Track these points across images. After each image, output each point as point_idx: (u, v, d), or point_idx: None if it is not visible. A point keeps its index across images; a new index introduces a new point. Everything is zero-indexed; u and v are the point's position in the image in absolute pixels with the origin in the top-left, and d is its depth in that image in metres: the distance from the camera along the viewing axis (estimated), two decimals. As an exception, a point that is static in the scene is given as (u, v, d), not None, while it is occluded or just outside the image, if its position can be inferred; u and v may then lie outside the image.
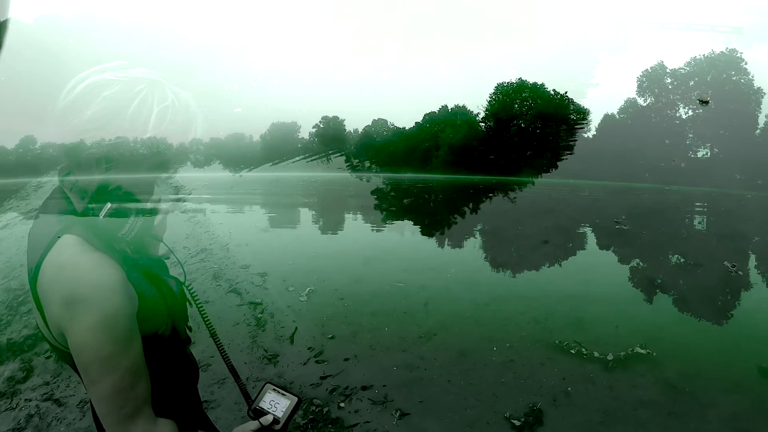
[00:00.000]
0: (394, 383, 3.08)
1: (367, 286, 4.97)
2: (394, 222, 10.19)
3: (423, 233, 9.68)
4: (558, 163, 62.27)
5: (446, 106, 72.41)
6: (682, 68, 65.66)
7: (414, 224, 11.19)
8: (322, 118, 78.82)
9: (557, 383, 3.13)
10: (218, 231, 8.02)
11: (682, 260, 8.57)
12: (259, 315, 3.68)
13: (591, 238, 10.48)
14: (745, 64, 63.37)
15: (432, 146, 68.96)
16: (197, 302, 1.95)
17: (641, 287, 6.22)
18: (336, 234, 7.40)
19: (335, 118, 78.94)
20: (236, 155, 78.52)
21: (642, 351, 3.59)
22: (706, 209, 21.07)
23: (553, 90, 68.79)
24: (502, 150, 64.29)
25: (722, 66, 63.10)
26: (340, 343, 3.35)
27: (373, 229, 8.85)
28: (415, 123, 74.56)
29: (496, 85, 69.78)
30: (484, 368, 3.33)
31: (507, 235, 9.65)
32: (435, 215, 13.47)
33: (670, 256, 8.87)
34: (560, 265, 7.13)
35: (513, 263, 7.28)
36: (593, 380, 3.26)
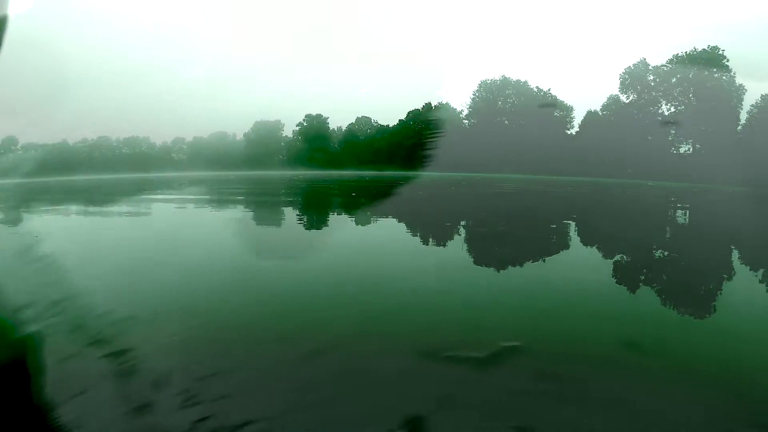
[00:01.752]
0: (277, 412, 2.81)
1: (248, 311, 4.63)
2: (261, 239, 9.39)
3: (293, 245, 9.05)
4: (541, 160, 62.27)
5: (430, 103, 72.59)
6: (665, 65, 65.83)
7: (283, 236, 10.44)
8: (306, 116, 78.88)
9: (435, 388, 2.89)
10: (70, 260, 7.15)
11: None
12: (125, 364, 3.36)
13: (460, 238, 10.17)
14: (727, 61, 63.53)
15: (416, 143, 68.87)
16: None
17: (502, 283, 5.98)
18: (206, 258, 6.59)
19: (319, 116, 78.90)
20: (220, 154, 78.10)
21: (513, 344, 3.37)
22: (649, 205, 21.03)
23: (537, 87, 69.08)
24: (486, 147, 64.30)
25: (704, 63, 63.13)
26: (219, 380, 3.06)
27: (231, 249, 8.05)
28: (399, 120, 75.16)
29: (480, 82, 70.14)
30: (366, 384, 3.05)
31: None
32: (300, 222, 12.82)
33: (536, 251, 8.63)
34: (424, 266, 6.71)
35: (367, 267, 6.80)
36: (472, 379, 3.01)
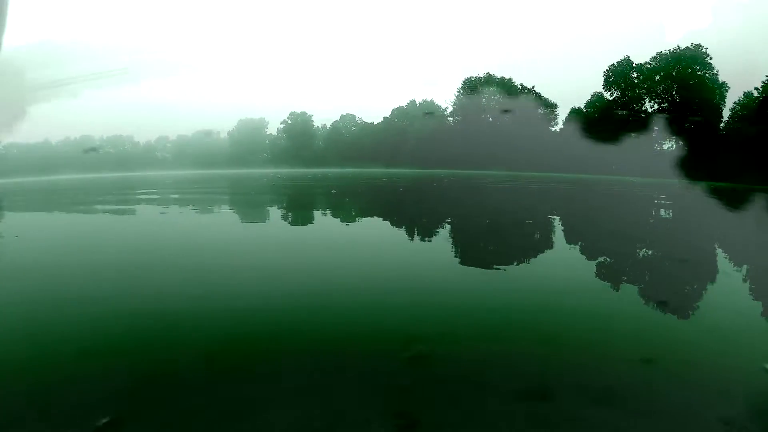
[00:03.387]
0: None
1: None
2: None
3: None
4: (525, 156, 62.02)
5: (414, 100, 72.24)
6: (648, 63, 65.99)
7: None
8: (290, 114, 78.30)
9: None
10: None
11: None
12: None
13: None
14: (710, 59, 63.79)
15: (400, 141, 68.49)
16: None
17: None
18: None
19: (303, 113, 78.42)
20: (204, 152, 77.42)
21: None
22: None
23: (521, 84, 68.87)
24: (471, 144, 63.99)
25: (688, 60, 63.39)
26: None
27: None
28: (383, 118, 75.10)
29: (464, 79, 69.87)
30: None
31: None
32: None
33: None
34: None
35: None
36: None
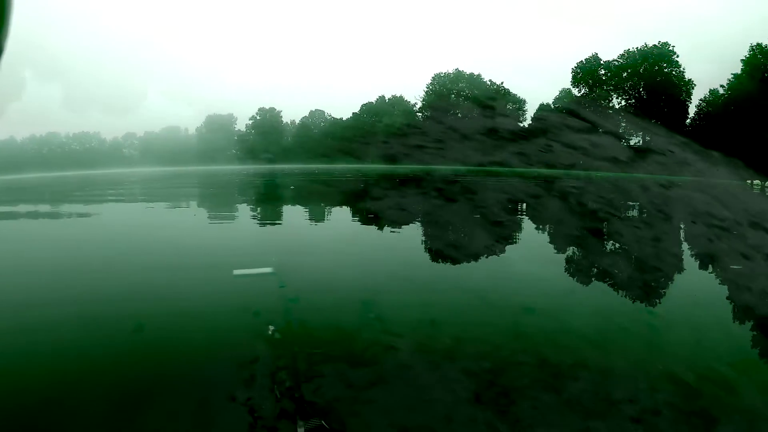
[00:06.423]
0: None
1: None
2: None
3: None
4: (495, 152, 61.76)
5: (383, 96, 71.70)
6: (616, 60, 66.48)
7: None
8: (259, 110, 77.41)
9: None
10: None
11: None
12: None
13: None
14: (677, 56, 64.38)
15: (369, 136, 67.85)
16: None
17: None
18: None
19: (272, 109, 77.58)
20: (172, 149, 76.07)
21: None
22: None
23: (489, 80, 68.81)
24: (440, 140, 63.60)
25: (655, 58, 63.92)
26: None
27: None
28: (353, 113, 74.29)
29: (433, 74, 69.56)
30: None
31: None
32: None
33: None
34: None
35: None
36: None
